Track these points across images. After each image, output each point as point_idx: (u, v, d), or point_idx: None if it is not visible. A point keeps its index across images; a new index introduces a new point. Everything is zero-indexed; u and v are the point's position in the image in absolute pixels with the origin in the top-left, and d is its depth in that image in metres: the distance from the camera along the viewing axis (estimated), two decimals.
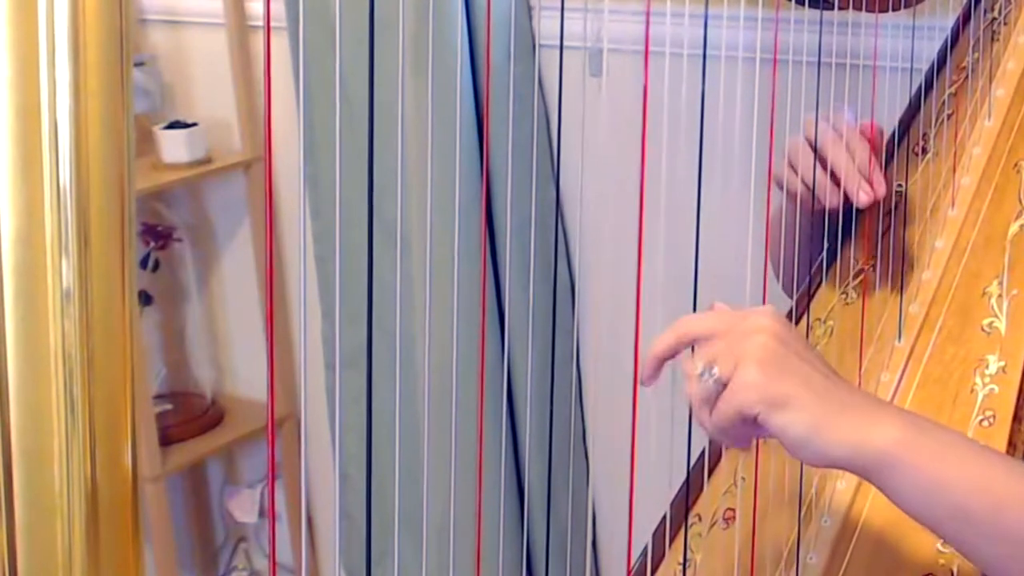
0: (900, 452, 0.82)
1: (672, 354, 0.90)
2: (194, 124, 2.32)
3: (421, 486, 1.01)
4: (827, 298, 1.21)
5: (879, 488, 0.84)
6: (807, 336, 1.17)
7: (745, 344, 0.85)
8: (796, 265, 1.22)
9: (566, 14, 1.03)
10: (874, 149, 1.19)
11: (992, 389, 1.05)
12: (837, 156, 1.16)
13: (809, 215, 1.22)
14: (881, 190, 1.17)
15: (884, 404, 0.89)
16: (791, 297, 1.22)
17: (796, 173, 1.18)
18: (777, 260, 1.26)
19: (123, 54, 0.54)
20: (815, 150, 1.17)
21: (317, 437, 2.41)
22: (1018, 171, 1.20)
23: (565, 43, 1.04)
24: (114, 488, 0.54)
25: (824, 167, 1.17)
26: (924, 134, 1.28)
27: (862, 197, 1.16)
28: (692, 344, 0.89)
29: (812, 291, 1.21)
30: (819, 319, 1.19)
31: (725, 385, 0.85)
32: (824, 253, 1.24)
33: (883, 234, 1.23)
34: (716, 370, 0.85)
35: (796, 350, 0.86)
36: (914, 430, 0.83)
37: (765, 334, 0.85)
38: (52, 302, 0.52)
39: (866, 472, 0.85)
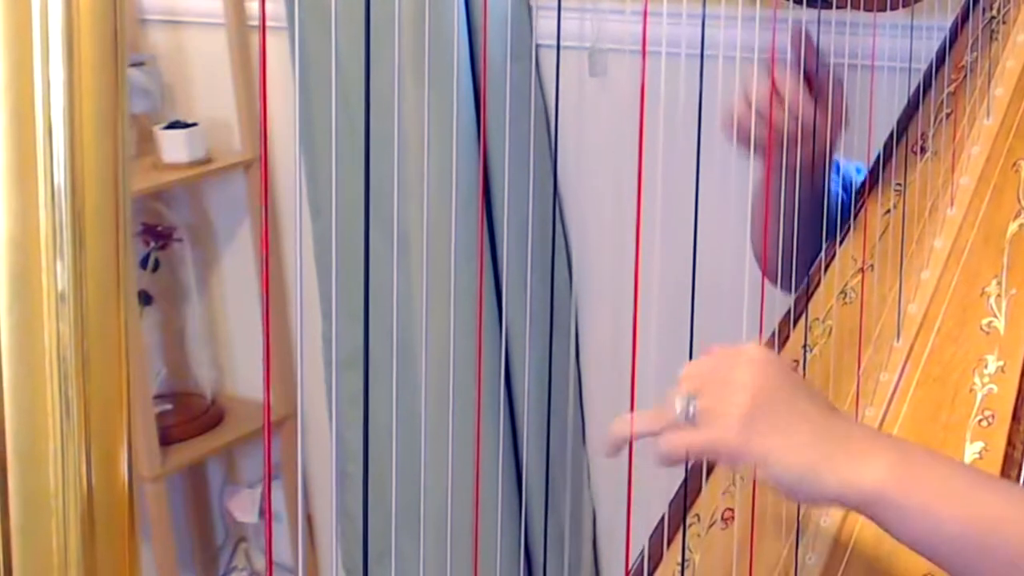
0: (889, 491, 0.82)
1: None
2: (194, 124, 2.32)
3: (420, 485, 1.01)
4: (826, 298, 1.20)
5: (874, 522, 0.85)
6: (806, 336, 1.17)
7: (729, 397, 0.85)
8: (779, 247, 1.22)
9: (565, 14, 1.03)
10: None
11: (991, 389, 1.05)
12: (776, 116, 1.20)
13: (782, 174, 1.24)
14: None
15: (877, 437, 0.89)
16: (774, 284, 1.22)
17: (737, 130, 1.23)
18: (757, 237, 1.27)
19: (118, 53, 0.54)
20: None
21: (319, 437, 2.41)
22: (1017, 170, 1.20)
23: (563, 43, 1.04)
24: (110, 490, 0.54)
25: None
26: (923, 133, 1.28)
27: None
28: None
29: (811, 291, 1.21)
30: (818, 319, 1.19)
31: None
32: (822, 253, 1.23)
33: (882, 234, 1.23)
34: (694, 408, 0.86)
35: (784, 391, 0.86)
36: (903, 467, 0.83)
37: (748, 390, 0.85)
38: (47, 304, 0.52)
39: (858, 509, 0.86)
